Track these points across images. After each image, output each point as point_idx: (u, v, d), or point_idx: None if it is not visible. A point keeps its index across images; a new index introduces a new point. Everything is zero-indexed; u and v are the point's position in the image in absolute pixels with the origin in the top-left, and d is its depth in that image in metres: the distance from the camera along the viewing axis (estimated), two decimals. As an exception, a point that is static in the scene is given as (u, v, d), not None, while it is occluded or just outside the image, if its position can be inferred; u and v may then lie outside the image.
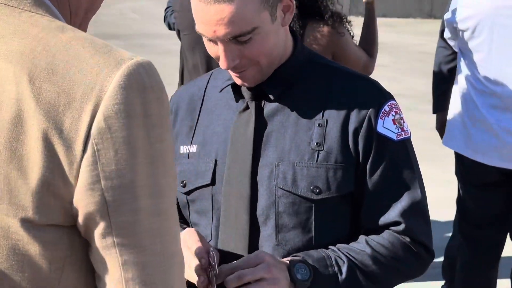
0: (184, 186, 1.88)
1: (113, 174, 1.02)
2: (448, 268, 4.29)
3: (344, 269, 1.76)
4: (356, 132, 1.76)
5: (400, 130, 1.79)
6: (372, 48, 3.59)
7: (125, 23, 14.41)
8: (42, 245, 1.05)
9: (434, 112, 4.26)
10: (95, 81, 1.03)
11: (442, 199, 4.97)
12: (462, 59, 3.70)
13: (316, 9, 3.31)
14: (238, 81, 1.79)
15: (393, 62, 10.21)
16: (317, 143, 1.75)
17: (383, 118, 1.76)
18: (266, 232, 1.78)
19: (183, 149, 1.91)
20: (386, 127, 1.76)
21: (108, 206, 1.03)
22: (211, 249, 1.67)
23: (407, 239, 1.80)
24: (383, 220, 1.80)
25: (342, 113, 1.77)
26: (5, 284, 1.08)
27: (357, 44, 3.59)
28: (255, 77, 1.77)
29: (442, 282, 4.38)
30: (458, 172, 3.89)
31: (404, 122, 1.81)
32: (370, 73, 3.50)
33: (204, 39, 1.77)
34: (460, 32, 3.63)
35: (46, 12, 1.13)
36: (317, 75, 1.85)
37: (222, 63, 1.72)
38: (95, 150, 1.02)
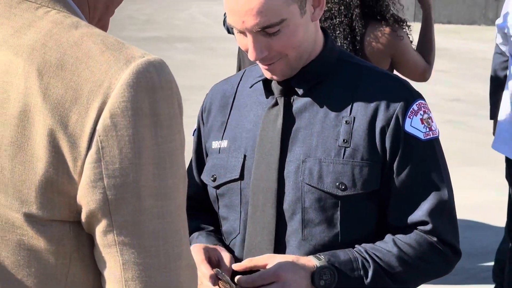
0: (214, 180, 1.85)
1: (116, 173, 0.99)
2: (498, 271, 4.19)
3: (370, 273, 1.72)
4: (383, 130, 1.72)
5: (428, 130, 1.75)
6: (430, 55, 3.49)
7: (195, 27, 14.26)
8: (48, 240, 1.03)
9: (491, 118, 4.18)
10: (104, 78, 1.00)
11: (492, 203, 4.94)
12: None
13: (378, 9, 3.23)
14: (268, 74, 1.76)
15: (456, 68, 10.04)
16: (343, 140, 1.72)
17: (411, 117, 1.72)
18: (293, 227, 1.75)
19: (215, 144, 1.88)
20: (414, 126, 1.73)
21: (109, 205, 1.00)
22: (217, 270, 1.64)
23: (434, 238, 1.76)
24: (410, 219, 1.76)
25: (370, 110, 1.73)
26: (13, 279, 1.06)
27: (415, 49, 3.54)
28: (283, 71, 1.73)
29: (492, 286, 4.27)
30: (508, 176, 3.81)
31: (432, 121, 1.77)
32: (427, 79, 3.48)
33: (235, 31, 1.74)
34: (511, 38, 3.57)
35: (64, 8, 1.11)
36: (346, 73, 1.81)
37: (251, 55, 1.69)
38: (100, 147, 0.99)
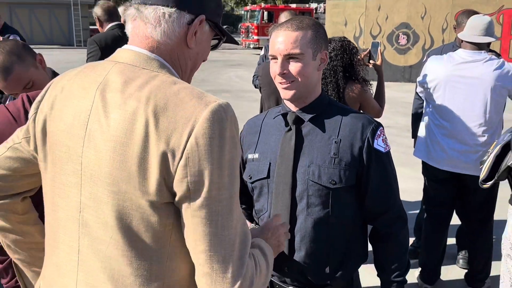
0: (250, 178, 1.89)
1: (196, 173, 1.07)
2: (417, 230, 4.49)
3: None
4: (360, 148, 1.76)
5: (386, 146, 1.82)
6: (382, 101, 3.63)
7: (232, 84, 15.31)
8: (159, 216, 1.11)
9: (412, 137, 4.39)
10: (191, 115, 1.08)
11: (414, 189, 5.38)
12: (427, 105, 3.80)
13: (353, 74, 3.43)
14: (284, 93, 1.77)
15: (387, 107, 10.09)
16: (334, 153, 1.75)
17: (377, 139, 1.77)
18: (301, 207, 1.79)
19: (250, 156, 1.90)
20: (379, 144, 1.78)
21: (190, 191, 1.08)
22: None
23: (401, 216, 1.88)
24: (382, 207, 1.84)
25: (351, 135, 1.76)
26: (139, 241, 1.12)
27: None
28: (295, 93, 1.75)
29: (413, 238, 4.57)
30: (424, 172, 3.98)
31: (387, 140, 1.84)
32: (380, 116, 3.59)
33: (271, 63, 1.76)
34: (427, 89, 3.72)
35: (167, 72, 1.19)
36: (334, 111, 1.82)
37: (277, 70, 1.72)
38: (187, 157, 1.06)
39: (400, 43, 15.70)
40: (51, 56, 22.87)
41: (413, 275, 4.12)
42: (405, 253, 1.88)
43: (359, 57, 3.53)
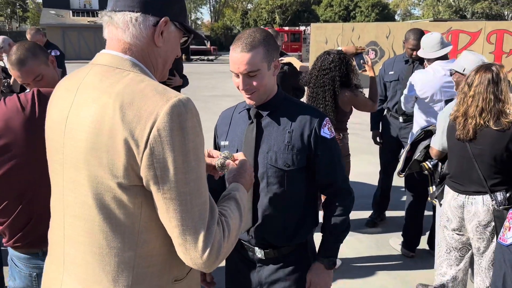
0: None
1: (161, 160, 1.01)
2: (374, 204, 4.55)
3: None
4: (309, 136, 1.72)
5: (331, 133, 1.77)
6: (375, 97, 3.52)
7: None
8: (128, 196, 1.06)
9: (371, 130, 4.52)
10: (154, 109, 1.02)
11: (374, 172, 5.15)
12: (417, 107, 3.69)
13: (346, 83, 3.38)
14: (248, 101, 1.74)
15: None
16: (287, 142, 1.72)
17: (323, 128, 1.74)
18: (262, 186, 1.75)
19: (222, 143, 1.85)
20: (325, 132, 1.74)
21: (158, 178, 1.03)
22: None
23: (345, 188, 1.82)
24: (329, 180, 1.81)
25: (301, 125, 1.72)
26: (112, 217, 1.07)
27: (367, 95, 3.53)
28: (256, 100, 1.71)
29: (371, 211, 4.59)
30: (381, 158, 4.36)
31: (332, 128, 1.78)
32: (375, 110, 3.58)
33: (233, 75, 1.69)
34: (416, 98, 3.64)
35: (138, 70, 1.13)
36: (288, 105, 1.78)
37: (241, 86, 1.67)
38: (151, 147, 1.01)
39: (369, 57, 15.84)
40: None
41: (387, 243, 4.17)
42: (347, 216, 1.82)
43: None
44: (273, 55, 1.69)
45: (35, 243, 1.75)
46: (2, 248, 2.91)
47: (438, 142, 2.93)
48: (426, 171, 3.10)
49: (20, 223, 1.73)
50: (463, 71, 2.89)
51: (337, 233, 1.79)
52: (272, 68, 1.70)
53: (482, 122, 2.42)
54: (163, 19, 1.16)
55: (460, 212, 2.65)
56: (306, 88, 3.51)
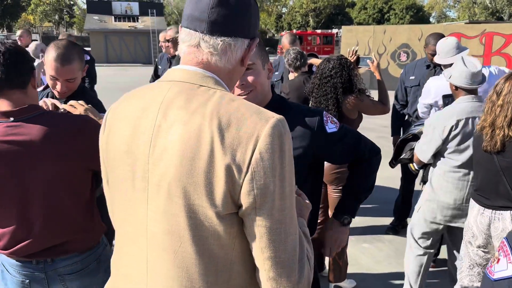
0: None
1: (261, 186, 0.96)
2: (396, 210, 4.45)
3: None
4: (313, 133, 1.67)
5: (336, 124, 1.72)
6: (385, 100, 3.41)
7: None
8: (224, 226, 0.99)
9: (392, 135, 4.48)
10: (253, 131, 0.97)
11: (396, 176, 5.04)
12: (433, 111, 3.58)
13: (350, 89, 3.23)
14: None
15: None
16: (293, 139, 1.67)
17: (326, 123, 1.69)
18: None
19: None
20: (330, 127, 1.70)
21: (256, 204, 0.97)
22: None
23: (372, 148, 1.81)
24: (356, 157, 1.78)
25: (302, 125, 1.69)
26: (206, 248, 1.01)
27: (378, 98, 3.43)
28: (253, 101, 1.59)
29: (392, 218, 4.50)
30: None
31: (333, 118, 1.74)
32: (387, 112, 3.43)
33: None
34: (430, 104, 3.61)
35: (222, 88, 1.07)
36: (285, 107, 1.76)
37: (240, 82, 1.62)
38: (253, 171, 0.96)
39: (401, 60, 15.54)
40: (136, 71, 23.38)
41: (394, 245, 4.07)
42: (372, 175, 1.79)
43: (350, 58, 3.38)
44: (265, 57, 1.67)
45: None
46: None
47: (424, 153, 2.83)
48: (413, 171, 3.11)
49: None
50: (449, 78, 2.79)
51: (359, 191, 1.78)
52: (266, 70, 1.66)
53: (511, 133, 2.26)
54: (255, 41, 1.13)
55: (487, 229, 2.47)
56: (310, 98, 3.39)
